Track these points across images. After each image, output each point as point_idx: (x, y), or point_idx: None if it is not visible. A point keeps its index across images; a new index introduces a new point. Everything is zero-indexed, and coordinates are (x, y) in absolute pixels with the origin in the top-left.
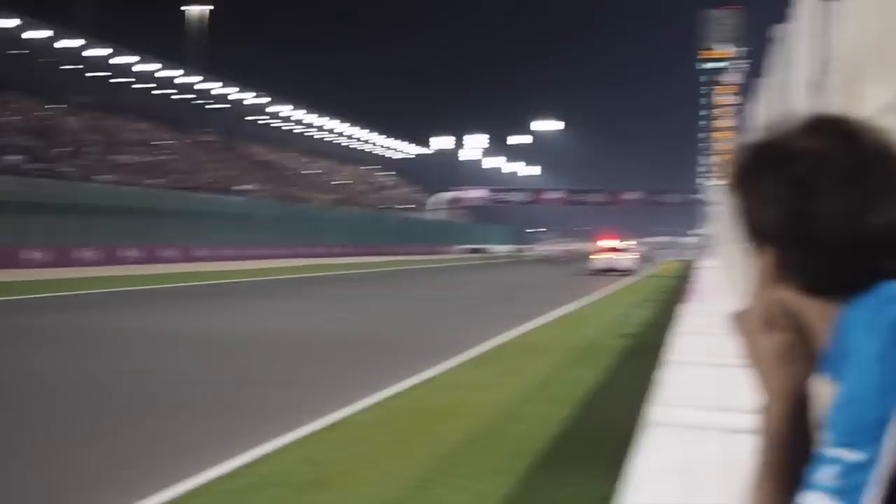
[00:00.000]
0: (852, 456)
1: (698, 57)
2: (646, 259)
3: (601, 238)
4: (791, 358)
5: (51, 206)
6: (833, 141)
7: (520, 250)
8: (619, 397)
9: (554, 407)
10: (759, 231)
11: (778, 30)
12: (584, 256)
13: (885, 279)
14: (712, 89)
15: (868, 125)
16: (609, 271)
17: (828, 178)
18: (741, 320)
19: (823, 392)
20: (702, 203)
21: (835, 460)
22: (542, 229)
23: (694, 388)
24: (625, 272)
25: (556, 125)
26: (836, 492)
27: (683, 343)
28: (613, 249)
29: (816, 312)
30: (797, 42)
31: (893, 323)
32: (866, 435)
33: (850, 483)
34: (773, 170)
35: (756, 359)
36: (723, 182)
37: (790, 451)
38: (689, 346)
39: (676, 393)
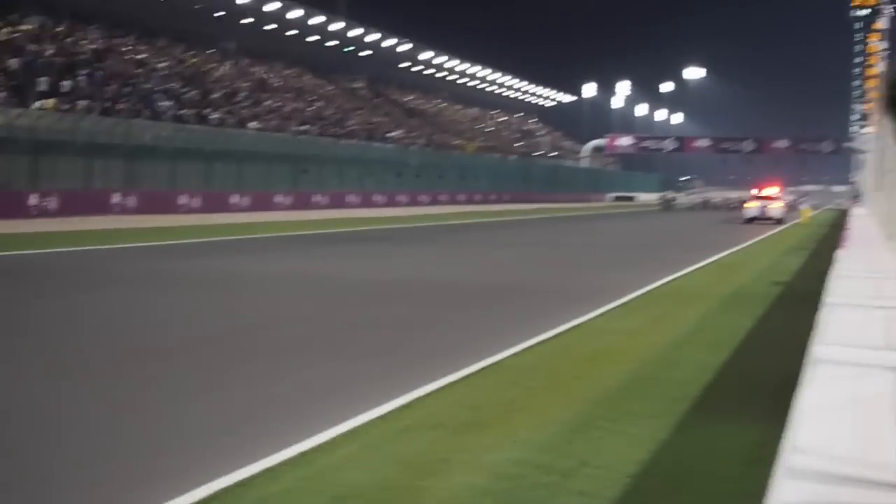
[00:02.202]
0: None
1: (852, 3)
2: (792, 208)
3: (761, 186)
4: None
5: (203, 152)
6: None
7: (666, 199)
8: (778, 342)
9: (709, 353)
10: None
11: None
12: (738, 204)
13: None
14: (865, 35)
15: None
16: (761, 219)
17: None
18: None
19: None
20: (854, 151)
21: None
22: (688, 177)
23: (857, 328)
24: (777, 220)
25: (700, 72)
26: None
27: (842, 286)
28: (767, 198)
29: None
30: None
31: None
32: None
33: None
34: None
35: None
36: (875, 109)
37: None
38: (847, 290)
39: (839, 333)
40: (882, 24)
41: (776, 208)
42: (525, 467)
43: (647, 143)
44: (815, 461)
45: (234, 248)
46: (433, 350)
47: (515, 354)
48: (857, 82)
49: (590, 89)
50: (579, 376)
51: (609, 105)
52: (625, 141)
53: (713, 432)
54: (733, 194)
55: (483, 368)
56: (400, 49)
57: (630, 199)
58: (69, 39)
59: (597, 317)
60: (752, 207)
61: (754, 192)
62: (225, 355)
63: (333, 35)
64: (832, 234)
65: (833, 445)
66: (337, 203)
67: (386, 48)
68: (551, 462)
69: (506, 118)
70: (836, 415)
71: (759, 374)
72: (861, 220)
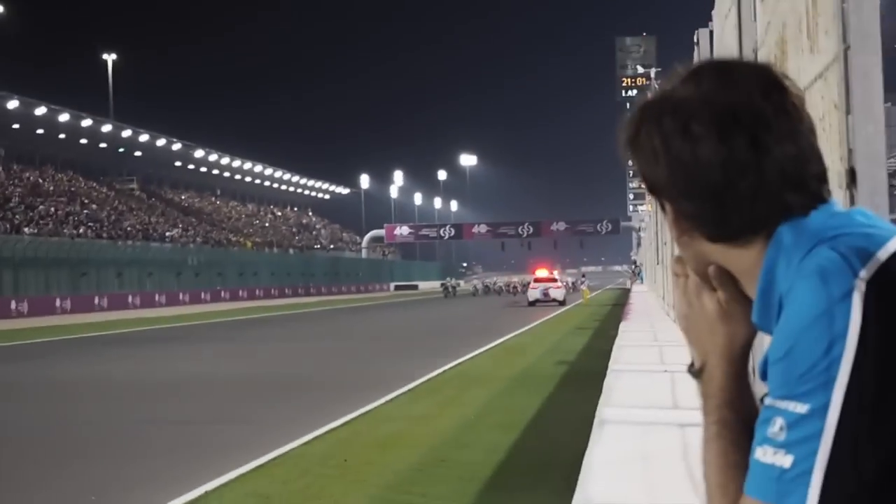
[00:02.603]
0: (796, 408)
1: (622, 84)
2: (574, 289)
3: (535, 270)
4: (729, 316)
5: None
6: (710, 85)
7: (446, 286)
8: (566, 419)
9: (499, 433)
10: (654, 187)
11: (700, 35)
12: (521, 288)
13: (796, 214)
14: None
15: (752, 65)
16: (543, 301)
17: (702, 123)
18: (677, 283)
19: (761, 344)
20: (632, 230)
21: (779, 412)
22: (466, 264)
23: (642, 391)
24: (559, 301)
25: (472, 159)
26: (784, 445)
27: (626, 355)
28: (548, 280)
29: (739, 260)
30: (722, 42)
31: (821, 269)
32: (808, 385)
33: (798, 436)
34: (651, 123)
35: (695, 320)
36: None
37: (736, 408)
38: (631, 357)
39: (625, 396)
40: None
41: (557, 290)
42: None
43: (425, 232)
44: None
45: (13, 354)
46: (221, 445)
47: (306, 443)
48: (630, 162)
49: (365, 181)
50: (371, 462)
51: (385, 195)
52: (403, 230)
53: None
54: (515, 278)
55: (274, 458)
56: (172, 148)
57: (413, 287)
58: None
59: (384, 403)
60: (534, 290)
61: (536, 276)
62: (13, 459)
63: (103, 137)
64: (614, 312)
65: (625, 497)
66: (118, 305)
67: (157, 148)
68: None
69: (282, 213)
70: (627, 470)
71: (549, 450)
72: (642, 296)
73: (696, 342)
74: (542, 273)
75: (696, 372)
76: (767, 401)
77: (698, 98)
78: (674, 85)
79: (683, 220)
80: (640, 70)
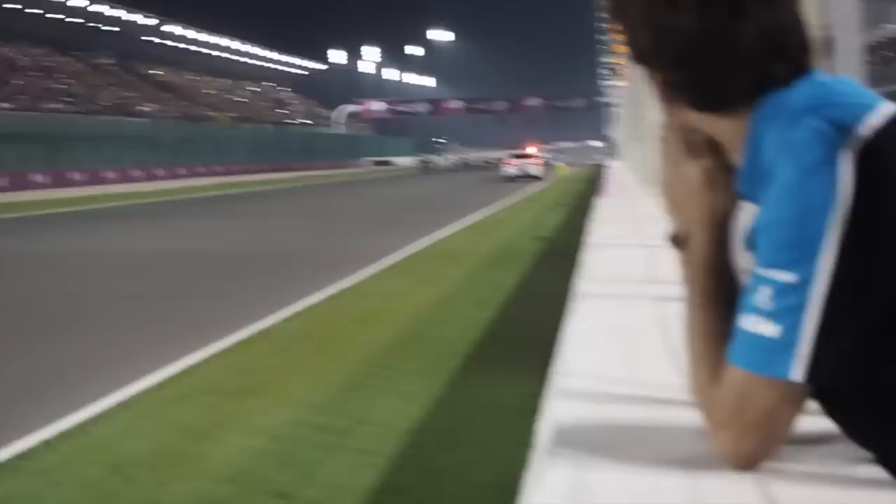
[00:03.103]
0: (784, 277)
1: None
2: (549, 166)
3: (524, 147)
4: (714, 184)
5: None
6: None
7: (425, 162)
8: (543, 295)
9: (476, 309)
10: (641, 56)
11: None
12: (497, 164)
13: (780, 84)
14: None
15: None
16: (521, 177)
17: None
18: (663, 148)
19: (745, 212)
20: (607, 105)
21: (766, 281)
22: (443, 140)
23: (620, 265)
24: (536, 177)
25: (447, 35)
26: (771, 314)
27: (603, 230)
28: (526, 156)
29: (725, 129)
30: None
31: (807, 140)
32: (796, 254)
33: (785, 304)
34: None
35: (678, 187)
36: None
37: (718, 276)
38: (608, 232)
39: (603, 270)
40: None
41: (536, 167)
42: (302, 428)
43: (400, 107)
44: (586, 382)
45: None
46: (204, 319)
47: (286, 320)
48: (603, 36)
49: (338, 56)
50: (349, 338)
51: (358, 71)
52: (378, 106)
53: (486, 387)
54: (491, 154)
55: (255, 334)
56: (146, 23)
57: (388, 163)
58: None
59: (363, 281)
60: (512, 167)
61: (516, 152)
62: None
63: (76, 12)
64: (590, 189)
65: (602, 368)
66: (95, 180)
67: (131, 23)
68: (328, 422)
69: (258, 89)
70: (604, 341)
71: (526, 326)
72: (618, 173)
73: (679, 210)
74: (530, 150)
75: (677, 240)
76: (755, 269)
77: None
78: None
79: (669, 88)
80: None
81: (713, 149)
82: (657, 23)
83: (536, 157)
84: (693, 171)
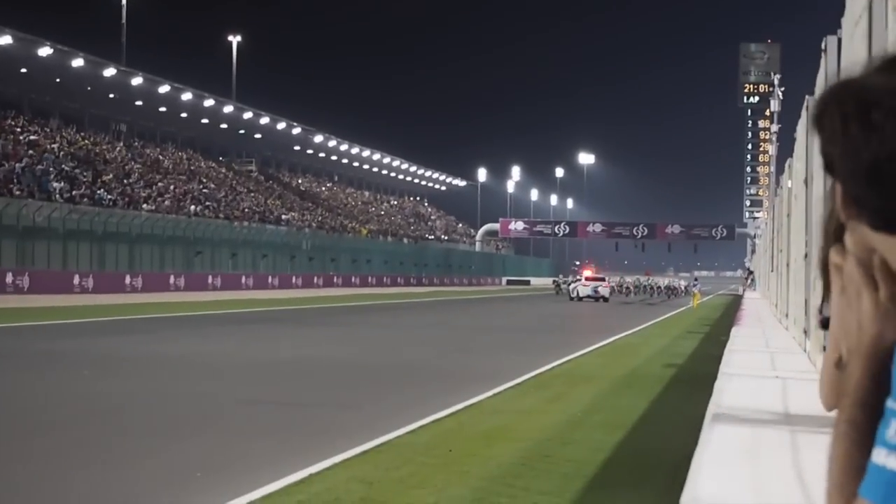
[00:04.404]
0: None
1: (744, 90)
2: (686, 293)
3: (584, 269)
4: (886, 315)
5: (95, 233)
6: None
7: (562, 283)
8: (672, 422)
9: (603, 432)
10: (829, 166)
11: (828, 42)
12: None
13: None
14: (756, 122)
15: None
16: (593, 297)
17: (883, 112)
18: (834, 273)
19: None
20: (745, 237)
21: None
22: (579, 262)
23: (753, 394)
24: (605, 299)
25: (589, 158)
26: None
27: (737, 359)
28: (598, 279)
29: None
30: (850, 49)
31: None
32: None
33: None
34: (836, 104)
35: (845, 313)
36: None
37: (869, 409)
38: (742, 362)
39: (735, 399)
40: (773, 107)
41: (605, 288)
42: None
43: (539, 228)
44: None
45: (126, 329)
46: (330, 427)
47: (411, 432)
48: (749, 169)
49: (482, 174)
50: (475, 453)
51: (501, 189)
52: (518, 225)
53: None
54: (628, 278)
55: (379, 445)
56: (291, 132)
57: (525, 282)
58: None
59: (492, 396)
60: (585, 287)
61: (586, 274)
62: (123, 432)
63: (225, 118)
64: (725, 318)
65: (732, 495)
66: (231, 285)
67: (277, 131)
68: None
69: (398, 202)
70: (734, 470)
71: (654, 451)
72: (755, 303)
73: (841, 336)
74: (590, 274)
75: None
76: (888, 402)
77: (887, 88)
78: (868, 71)
79: (850, 203)
80: (761, 78)
81: (889, 275)
82: (848, 138)
83: (605, 280)
84: (865, 300)
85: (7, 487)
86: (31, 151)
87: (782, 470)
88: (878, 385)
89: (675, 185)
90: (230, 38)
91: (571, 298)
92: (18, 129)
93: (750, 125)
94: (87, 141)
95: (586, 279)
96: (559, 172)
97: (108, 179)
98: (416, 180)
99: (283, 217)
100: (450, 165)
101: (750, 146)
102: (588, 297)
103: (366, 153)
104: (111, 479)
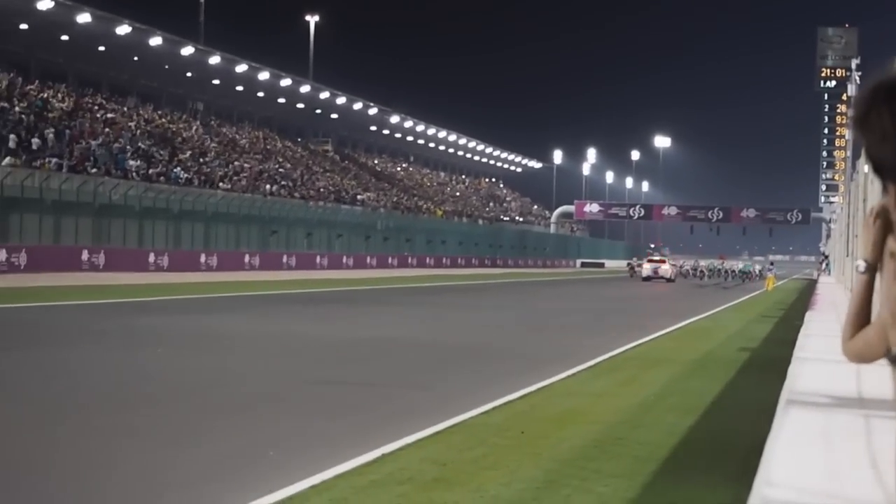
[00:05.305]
0: None
1: (821, 74)
2: (760, 277)
3: (650, 253)
4: None
5: (171, 211)
6: None
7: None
8: (746, 406)
9: (676, 415)
10: (879, 168)
11: None
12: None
13: None
14: (833, 106)
15: None
16: (654, 278)
17: None
18: (890, 258)
19: None
20: (821, 221)
21: None
22: (654, 246)
23: (827, 378)
24: (668, 279)
25: (665, 141)
26: None
27: (811, 344)
28: (659, 261)
29: None
30: None
31: None
32: None
33: None
34: (883, 104)
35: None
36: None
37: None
38: (817, 347)
39: (809, 383)
40: (851, 91)
41: (666, 269)
42: None
43: (614, 210)
44: (787, 494)
45: (202, 307)
46: (404, 407)
47: (484, 413)
48: (825, 153)
49: (558, 156)
50: (547, 435)
51: (577, 171)
52: (593, 208)
53: (681, 493)
54: (703, 262)
55: (452, 426)
56: (368, 112)
57: (599, 265)
58: (39, 97)
59: (565, 378)
60: (647, 269)
61: (650, 258)
62: (200, 409)
63: (301, 98)
64: (800, 303)
65: (806, 480)
66: (306, 265)
67: (354, 112)
68: None
69: (474, 183)
70: (808, 454)
71: (727, 435)
72: (829, 288)
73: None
74: (654, 258)
75: (894, 358)
76: None
77: None
78: None
79: None
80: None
81: None
82: None
83: (665, 262)
84: None
85: (102, 461)
86: (108, 129)
87: (856, 455)
88: None
89: (751, 169)
90: (308, 17)
91: (643, 279)
92: (96, 108)
93: (826, 109)
94: (164, 119)
95: (648, 261)
96: (635, 155)
97: (185, 158)
98: (492, 161)
99: (359, 197)
100: (525, 147)
101: (826, 130)
102: (649, 277)
103: (441, 134)
104: (187, 457)
